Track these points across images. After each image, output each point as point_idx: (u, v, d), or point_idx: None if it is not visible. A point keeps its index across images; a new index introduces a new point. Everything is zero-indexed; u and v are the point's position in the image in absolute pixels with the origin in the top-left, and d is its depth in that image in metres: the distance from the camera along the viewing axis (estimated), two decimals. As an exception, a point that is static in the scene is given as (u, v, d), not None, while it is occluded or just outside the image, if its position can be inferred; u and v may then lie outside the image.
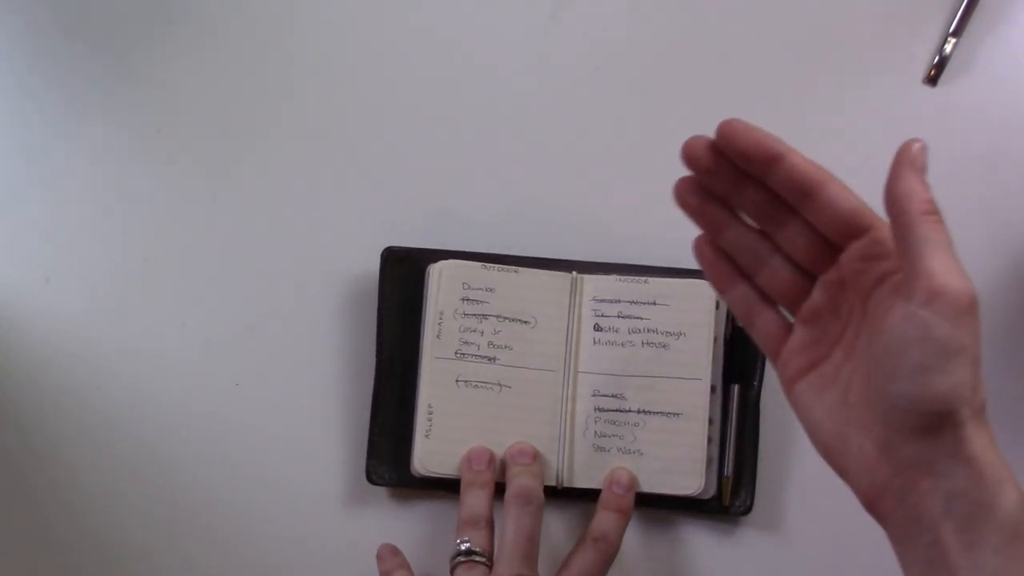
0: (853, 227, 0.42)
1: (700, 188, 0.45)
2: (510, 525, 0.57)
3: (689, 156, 0.44)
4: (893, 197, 0.40)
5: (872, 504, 0.42)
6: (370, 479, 0.62)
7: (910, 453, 0.39)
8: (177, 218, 0.66)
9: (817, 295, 0.44)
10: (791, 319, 0.46)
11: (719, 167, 0.44)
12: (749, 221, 0.46)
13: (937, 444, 0.39)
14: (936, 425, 0.39)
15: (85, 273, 0.65)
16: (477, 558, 0.56)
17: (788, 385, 0.45)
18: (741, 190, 0.44)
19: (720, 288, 0.47)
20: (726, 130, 0.42)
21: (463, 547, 0.57)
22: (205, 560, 0.64)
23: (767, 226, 0.45)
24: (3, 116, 0.67)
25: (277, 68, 0.67)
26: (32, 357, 0.65)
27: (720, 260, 0.47)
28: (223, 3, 0.68)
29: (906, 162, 0.40)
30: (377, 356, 0.63)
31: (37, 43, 0.67)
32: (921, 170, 0.40)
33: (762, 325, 0.46)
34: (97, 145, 0.67)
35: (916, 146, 0.40)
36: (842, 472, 0.43)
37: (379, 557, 0.61)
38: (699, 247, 0.47)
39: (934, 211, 0.39)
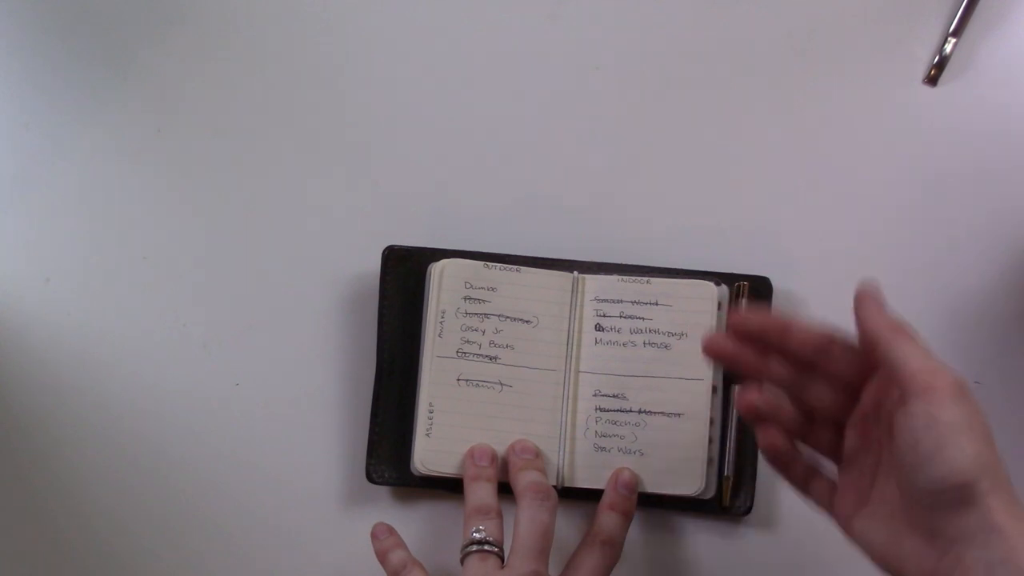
0: (865, 368, 0.48)
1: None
2: (525, 519, 0.56)
3: (713, 353, 0.51)
4: (865, 333, 0.46)
5: None
6: (370, 478, 0.62)
7: (949, 531, 0.42)
8: (177, 218, 0.66)
9: (850, 437, 0.49)
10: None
11: (741, 353, 0.50)
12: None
13: (969, 517, 0.42)
14: (963, 499, 0.42)
15: (85, 273, 0.65)
16: (489, 548, 0.56)
17: (846, 525, 0.49)
18: (766, 366, 0.50)
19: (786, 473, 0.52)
20: (736, 320, 0.50)
21: (476, 535, 0.56)
22: (205, 559, 0.63)
23: (795, 393, 0.51)
24: (3, 117, 0.67)
25: (276, 68, 0.67)
26: (32, 357, 0.65)
27: (784, 449, 0.52)
28: (222, 3, 0.68)
29: (865, 300, 0.46)
30: (377, 355, 0.63)
31: (37, 44, 0.67)
32: (880, 302, 0.46)
33: (816, 488, 0.51)
34: (96, 145, 0.67)
35: (870, 285, 0.47)
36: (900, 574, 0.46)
37: (374, 535, 0.60)
38: (767, 448, 0.52)
39: (901, 327, 0.45)
